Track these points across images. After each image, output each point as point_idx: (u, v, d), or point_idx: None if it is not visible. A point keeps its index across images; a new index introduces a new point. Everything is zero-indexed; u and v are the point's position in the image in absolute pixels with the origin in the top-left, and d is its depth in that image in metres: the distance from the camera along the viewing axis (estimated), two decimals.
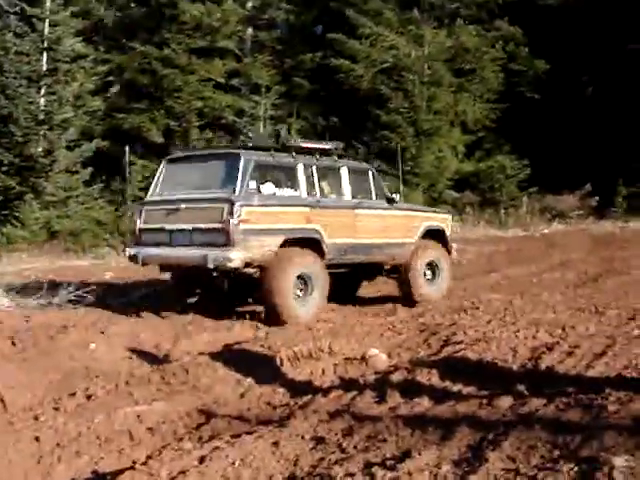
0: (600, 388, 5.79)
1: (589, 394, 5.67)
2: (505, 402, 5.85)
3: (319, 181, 10.43)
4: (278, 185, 10.00)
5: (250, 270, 9.54)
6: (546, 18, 23.96)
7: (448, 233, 12.13)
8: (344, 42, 23.78)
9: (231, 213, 9.12)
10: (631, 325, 9.24)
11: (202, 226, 9.53)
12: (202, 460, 4.89)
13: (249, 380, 7.38)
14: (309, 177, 10.26)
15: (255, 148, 10.14)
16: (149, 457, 5.20)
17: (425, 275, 11.75)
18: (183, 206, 9.76)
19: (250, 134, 11.72)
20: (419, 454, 4.69)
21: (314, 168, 10.38)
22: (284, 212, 9.82)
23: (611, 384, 5.99)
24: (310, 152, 10.58)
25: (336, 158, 11.02)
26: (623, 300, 11.38)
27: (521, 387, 6.26)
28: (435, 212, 13.09)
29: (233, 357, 8.08)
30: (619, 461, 4.24)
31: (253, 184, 9.56)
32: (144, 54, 27.06)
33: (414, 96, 22.09)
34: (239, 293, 10.60)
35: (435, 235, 11.97)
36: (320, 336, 8.84)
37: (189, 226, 9.63)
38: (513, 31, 24.35)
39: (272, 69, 27.32)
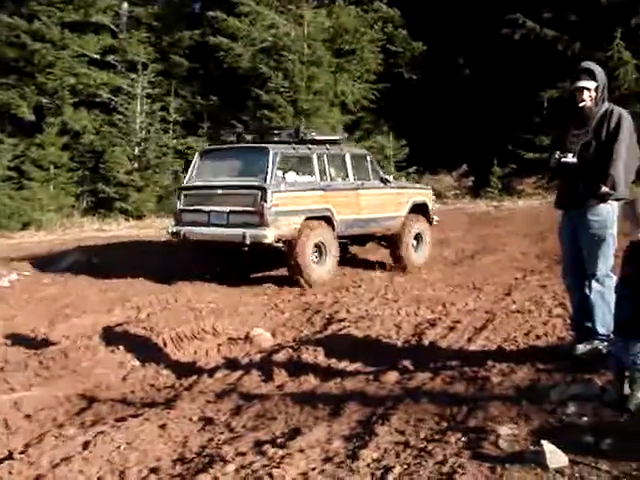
0: (482, 361, 5.92)
1: (473, 367, 5.79)
2: (392, 377, 5.91)
3: (329, 167, 12.08)
4: (298, 173, 11.71)
5: (279, 244, 11.08)
6: (424, 0, 24.37)
7: (430, 206, 13.82)
8: (223, 20, 23.44)
9: (264, 199, 10.76)
10: (507, 300, 9.50)
11: (238, 209, 11.14)
12: (86, 446, 4.71)
13: (132, 362, 7.20)
14: (321, 164, 11.89)
15: (279, 142, 11.82)
16: (27, 445, 4.97)
17: (412, 244, 13.31)
18: (220, 192, 11.41)
19: (275, 131, 12.94)
20: (309, 431, 4.68)
21: (325, 157, 12.02)
22: (304, 196, 11.52)
23: (493, 357, 6.14)
24: (322, 143, 12.21)
25: (342, 147, 12.76)
26: (499, 276, 11.68)
27: (406, 362, 6.34)
28: (419, 188, 14.79)
29: (114, 339, 7.83)
30: (504, 430, 4.34)
31: (280, 173, 11.27)
32: (12, 27, 25.84)
33: (294, 76, 21.98)
34: (256, 264, 12.32)
35: (419, 208, 13.55)
36: (203, 316, 8.71)
37: (226, 208, 11.21)
38: (391, 13, 24.62)
39: (149, 46, 26.66)
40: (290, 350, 7.19)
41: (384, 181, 12.93)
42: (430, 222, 13.72)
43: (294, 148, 11.71)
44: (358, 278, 11.91)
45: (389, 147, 22.47)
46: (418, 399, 5.12)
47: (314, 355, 6.95)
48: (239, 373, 6.54)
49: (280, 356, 7.02)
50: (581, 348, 5.57)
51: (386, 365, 6.35)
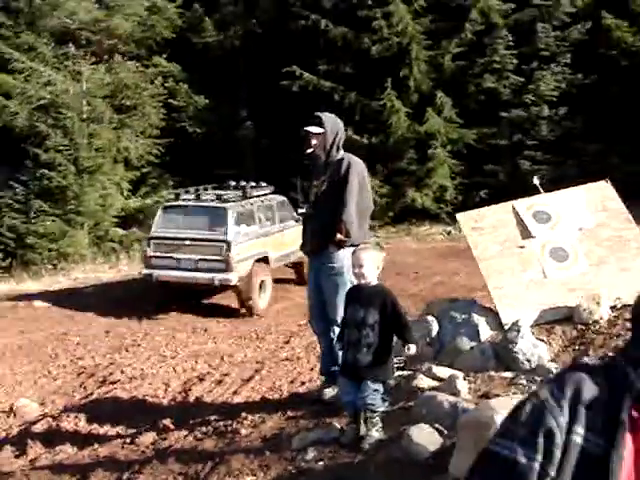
0: (238, 413, 5.93)
1: (227, 421, 5.78)
2: (148, 438, 5.81)
3: (264, 215, 14.25)
4: (245, 224, 13.60)
5: (238, 284, 12.93)
6: (202, 55, 24.61)
7: None
8: None
9: (229, 249, 12.83)
10: (285, 348, 9.63)
11: (207, 257, 13.05)
12: None
13: None
14: (259, 214, 14.05)
15: (233, 201, 13.74)
16: None
17: None
18: (188, 242, 13.24)
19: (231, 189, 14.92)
20: None
21: (261, 208, 14.21)
22: (251, 244, 13.51)
23: (252, 408, 6.18)
24: (259, 196, 14.46)
25: (269, 197, 14.84)
26: (285, 324, 11.84)
27: (166, 421, 6.25)
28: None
29: None
30: None
31: (236, 227, 13.15)
32: None
33: (74, 133, 21.42)
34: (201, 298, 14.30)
35: None
36: None
37: (195, 257, 13.09)
38: (171, 68, 24.67)
39: None
40: (50, 419, 6.90)
41: (296, 220, 14.20)
42: None
43: (242, 205, 13.76)
44: (138, 336, 11.63)
45: None
46: (166, 459, 5.04)
47: (75, 422, 6.72)
48: None
49: (39, 427, 6.73)
50: (329, 392, 5.70)
51: (147, 426, 6.23)
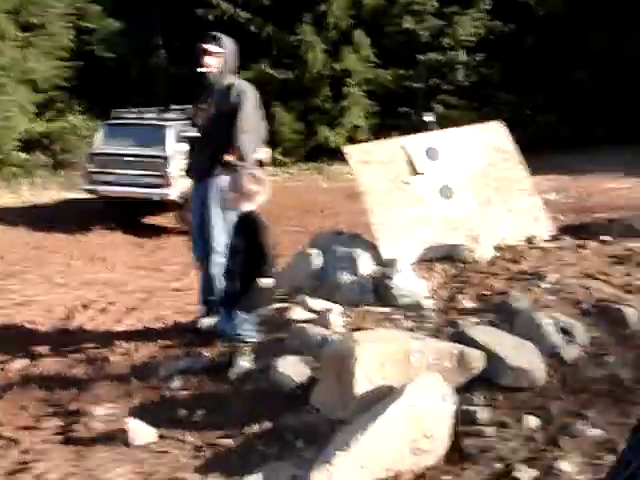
0: (115, 342, 5.76)
1: (102, 348, 5.61)
2: (17, 364, 5.59)
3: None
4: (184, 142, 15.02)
5: (179, 200, 13.10)
6: None
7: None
8: None
9: (167, 165, 13.35)
10: (182, 280, 9.46)
11: (146, 172, 13.56)
12: None
13: None
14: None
15: (174, 120, 14.11)
16: None
17: None
18: (129, 158, 13.70)
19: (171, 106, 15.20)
20: None
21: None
22: None
23: (130, 337, 6.00)
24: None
25: None
26: (185, 255, 11.64)
27: (41, 348, 6.03)
28: None
29: None
30: (100, 410, 4.23)
31: (175, 145, 13.32)
32: None
33: None
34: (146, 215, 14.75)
35: None
36: None
37: (136, 172, 13.58)
38: None
39: None
40: None
41: None
42: None
43: (183, 125, 13.37)
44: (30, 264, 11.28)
45: (83, 127, 21.58)
46: (32, 385, 4.87)
47: None
48: None
49: None
50: (205, 322, 5.58)
51: (21, 352, 6.00)
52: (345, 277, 5.23)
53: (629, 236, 5.83)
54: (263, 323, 4.73)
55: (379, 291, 5.10)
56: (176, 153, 13.27)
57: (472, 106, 21.82)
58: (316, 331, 4.52)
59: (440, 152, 5.89)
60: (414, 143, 5.89)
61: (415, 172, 5.74)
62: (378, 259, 5.36)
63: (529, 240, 5.80)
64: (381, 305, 5.00)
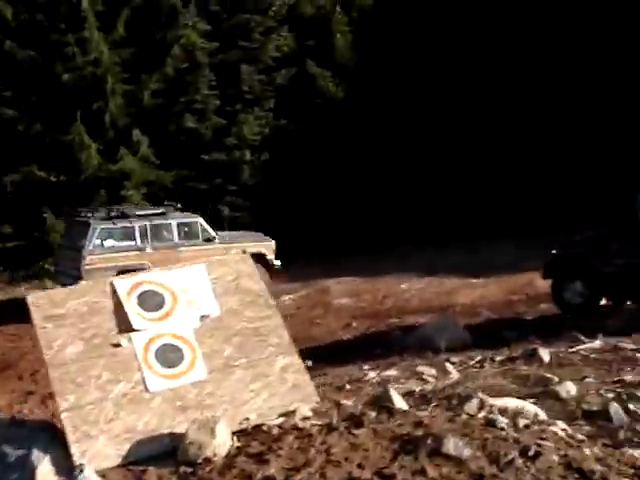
0: None
1: None
2: None
3: (151, 233, 15.72)
4: (119, 240, 15.55)
5: None
6: None
7: (270, 256, 16.71)
8: None
9: (82, 259, 14.91)
10: None
11: (71, 265, 15.28)
12: None
13: None
14: (143, 232, 15.65)
15: (105, 218, 15.59)
16: None
17: None
18: (65, 251, 16.12)
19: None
20: None
21: (147, 226, 15.73)
22: (117, 256, 15.19)
23: None
24: (145, 217, 15.98)
25: (167, 216, 16.18)
26: None
27: None
28: (258, 240, 17.12)
29: None
30: None
31: (98, 241, 15.13)
32: None
33: None
34: None
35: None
36: None
37: (68, 262, 15.59)
38: None
39: None
40: None
41: (208, 240, 16.08)
42: (269, 268, 16.08)
43: (114, 223, 15.48)
44: None
45: None
46: None
47: None
48: None
49: None
50: None
51: None
52: None
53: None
54: None
55: None
56: (95, 248, 15.09)
57: (258, 206, 20.87)
58: None
59: (164, 296, 4.36)
60: (126, 285, 4.35)
61: (127, 327, 4.17)
62: (66, 465, 3.68)
63: (286, 417, 4.23)
64: None
